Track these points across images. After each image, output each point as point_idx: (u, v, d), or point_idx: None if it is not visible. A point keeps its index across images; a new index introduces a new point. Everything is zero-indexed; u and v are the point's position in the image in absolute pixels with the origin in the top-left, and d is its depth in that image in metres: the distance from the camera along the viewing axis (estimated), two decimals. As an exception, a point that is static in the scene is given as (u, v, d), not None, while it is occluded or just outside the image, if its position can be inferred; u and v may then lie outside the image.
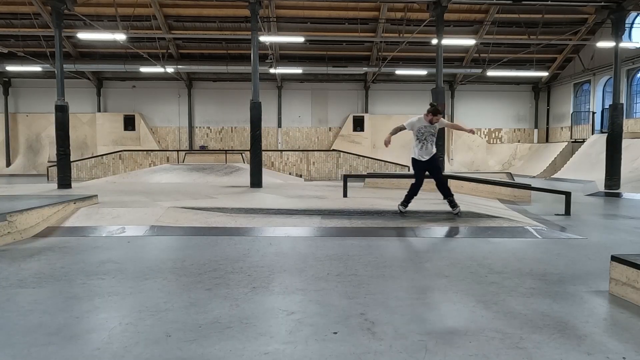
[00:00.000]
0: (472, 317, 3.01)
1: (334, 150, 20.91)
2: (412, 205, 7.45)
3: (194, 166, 15.70)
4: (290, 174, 18.83)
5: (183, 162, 18.65)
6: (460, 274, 4.07)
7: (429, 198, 8.58)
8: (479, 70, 21.32)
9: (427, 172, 6.66)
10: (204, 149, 23.00)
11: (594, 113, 20.65)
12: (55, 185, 10.96)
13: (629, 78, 18.69)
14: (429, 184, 10.25)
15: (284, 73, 22.47)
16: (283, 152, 20.08)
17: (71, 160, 11.64)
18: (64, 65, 11.58)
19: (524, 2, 15.01)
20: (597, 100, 20.62)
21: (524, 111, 24.89)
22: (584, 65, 21.10)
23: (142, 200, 8.11)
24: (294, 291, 3.55)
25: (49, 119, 21.95)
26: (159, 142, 23.63)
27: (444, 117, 7.44)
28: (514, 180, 12.24)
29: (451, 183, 9.24)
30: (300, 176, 18.83)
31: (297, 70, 21.44)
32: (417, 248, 5.17)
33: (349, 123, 23.58)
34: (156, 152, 20.10)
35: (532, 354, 2.46)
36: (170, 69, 20.81)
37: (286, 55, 21.90)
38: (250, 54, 11.09)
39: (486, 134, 24.84)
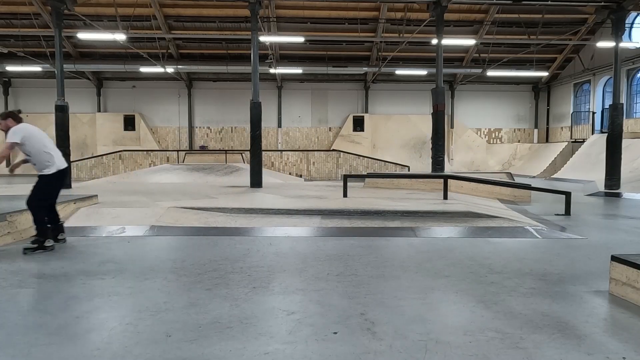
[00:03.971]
0: (472, 317, 3.01)
1: (334, 150, 20.90)
2: (412, 205, 7.45)
3: (194, 166, 15.70)
4: (290, 174, 18.83)
5: (183, 162, 18.65)
6: (460, 274, 4.07)
7: (429, 198, 8.58)
8: (479, 70, 21.31)
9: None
10: (204, 149, 22.99)
11: (594, 113, 20.64)
12: (55, 185, 10.94)
13: (629, 78, 18.68)
14: (429, 183, 10.28)
15: (284, 73, 22.46)
16: (283, 152, 20.07)
17: (71, 160, 11.63)
18: (64, 65, 11.58)
19: (524, 2, 15.00)
20: (597, 100, 20.61)
21: (524, 111, 24.88)
22: (584, 65, 21.09)
23: (142, 200, 8.11)
24: (294, 291, 3.55)
25: (49, 119, 21.86)
26: (159, 142, 23.62)
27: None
28: (514, 180, 12.23)
29: (451, 183, 9.26)
30: (300, 176, 18.82)
31: (297, 70, 21.43)
32: (417, 248, 5.17)
33: (349, 123, 23.57)
34: (156, 152, 20.09)
35: (532, 354, 2.46)
36: (170, 69, 20.81)
37: (286, 55, 21.89)
38: (250, 54, 11.09)
39: (486, 134, 24.83)
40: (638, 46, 17.34)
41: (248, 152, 13.09)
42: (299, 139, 24.12)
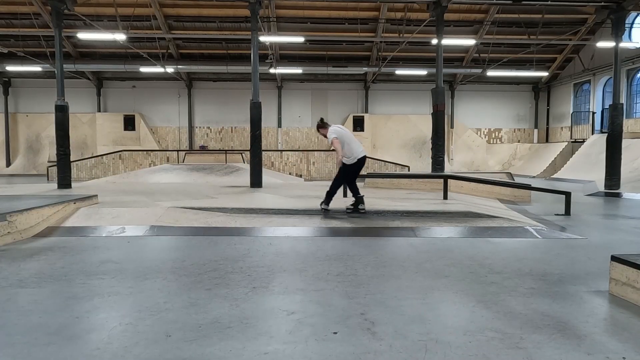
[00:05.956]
0: (472, 317, 3.01)
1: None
2: (412, 205, 7.46)
3: (194, 166, 15.69)
4: (290, 174, 18.82)
5: (183, 162, 18.64)
6: (460, 274, 4.07)
7: (429, 198, 8.58)
8: (479, 70, 21.32)
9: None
10: (204, 149, 22.99)
11: (594, 113, 20.65)
12: (55, 185, 10.95)
13: (629, 78, 18.69)
14: (429, 183, 10.27)
15: (284, 73, 22.47)
16: (283, 152, 20.07)
17: (71, 160, 11.63)
18: (64, 65, 11.57)
19: (524, 2, 15.01)
20: (597, 100, 20.62)
21: (524, 111, 24.90)
22: (584, 65, 21.10)
23: (142, 200, 8.11)
24: (294, 291, 3.54)
25: (49, 119, 21.95)
26: (159, 142, 23.63)
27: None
28: (514, 180, 12.23)
29: (451, 183, 9.25)
30: (300, 176, 18.82)
31: (297, 70, 21.44)
32: (417, 248, 5.17)
33: (349, 123, 23.58)
34: (156, 152, 20.09)
35: (532, 354, 2.46)
36: (170, 69, 20.81)
37: (286, 55, 21.90)
38: (250, 54, 11.09)
39: (486, 134, 24.84)
40: (638, 46, 17.36)
41: (248, 152, 13.09)
42: (299, 139, 24.13)
